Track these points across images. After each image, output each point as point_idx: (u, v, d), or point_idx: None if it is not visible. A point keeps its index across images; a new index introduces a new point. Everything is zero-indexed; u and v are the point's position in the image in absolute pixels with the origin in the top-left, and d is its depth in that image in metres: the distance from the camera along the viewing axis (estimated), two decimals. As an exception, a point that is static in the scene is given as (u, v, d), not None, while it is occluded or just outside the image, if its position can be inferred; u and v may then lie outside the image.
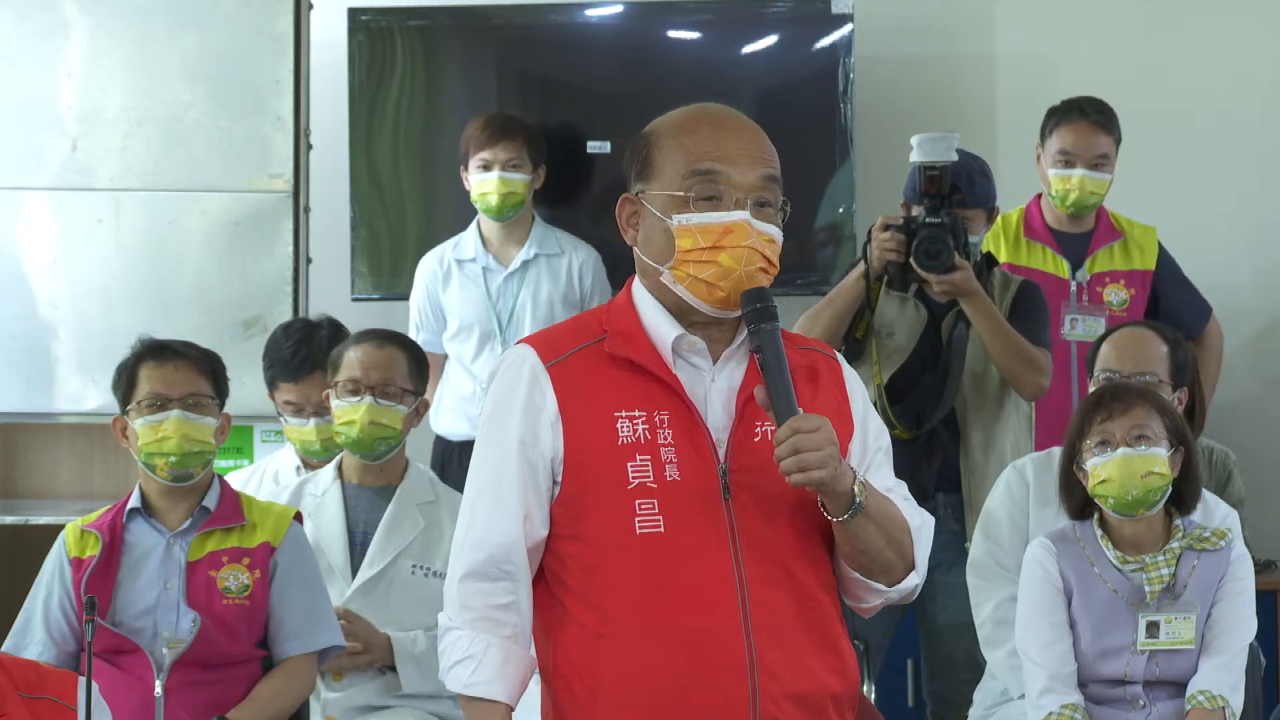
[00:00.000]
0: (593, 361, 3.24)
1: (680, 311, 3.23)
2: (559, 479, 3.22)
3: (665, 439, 3.19)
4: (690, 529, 3.16)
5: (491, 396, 3.29)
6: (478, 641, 3.21)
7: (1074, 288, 6.05)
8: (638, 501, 3.16)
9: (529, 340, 3.30)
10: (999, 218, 5.90)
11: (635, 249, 3.29)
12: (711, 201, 3.19)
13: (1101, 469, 4.48)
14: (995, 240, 6.03)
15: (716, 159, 3.19)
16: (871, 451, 3.30)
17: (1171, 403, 4.67)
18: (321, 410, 5.26)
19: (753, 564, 3.16)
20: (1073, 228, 6.10)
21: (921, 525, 3.27)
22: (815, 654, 3.20)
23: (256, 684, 4.55)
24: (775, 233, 3.21)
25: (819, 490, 3.14)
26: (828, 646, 3.22)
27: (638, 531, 3.16)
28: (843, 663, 3.24)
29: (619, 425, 3.19)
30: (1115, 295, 6.06)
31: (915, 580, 3.26)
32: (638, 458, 3.17)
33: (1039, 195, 6.16)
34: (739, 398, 3.22)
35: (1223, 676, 4.47)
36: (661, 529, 3.16)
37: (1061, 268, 6.06)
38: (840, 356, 3.38)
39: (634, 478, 3.17)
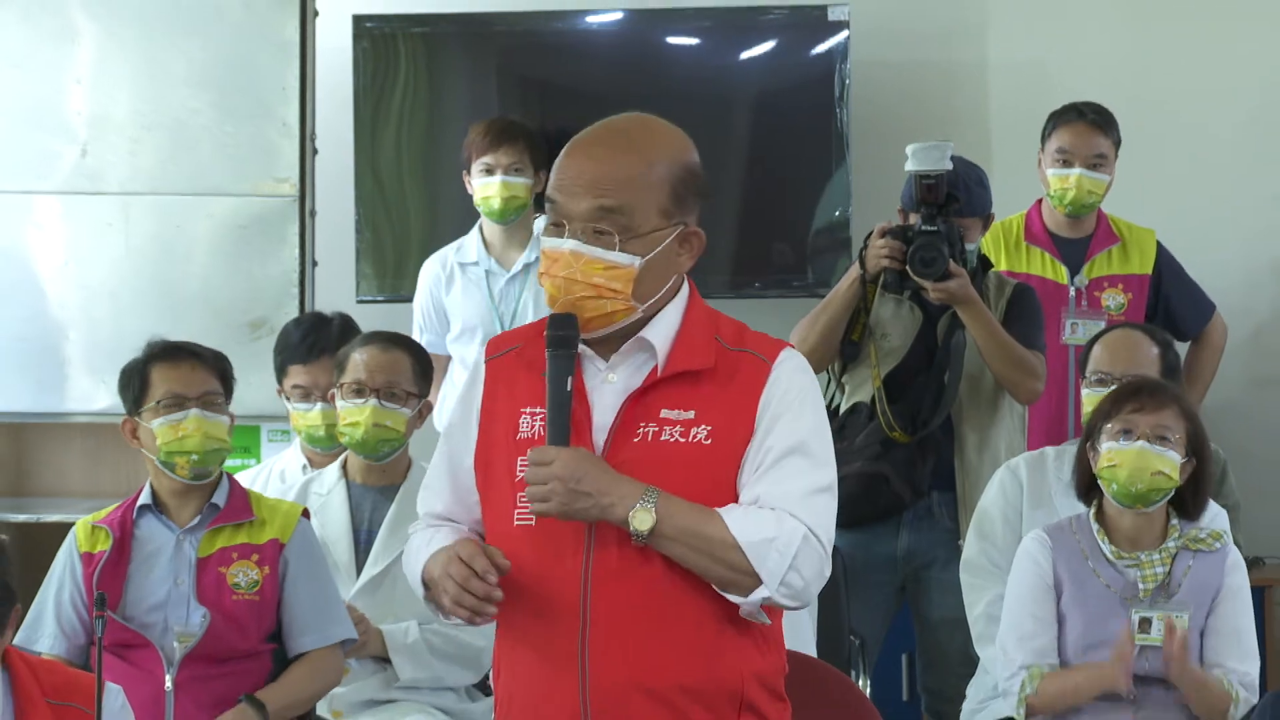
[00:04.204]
0: (525, 358, 3.30)
1: None
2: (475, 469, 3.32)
3: None
4: (556, 522, 3.19)
5: None
6: (421, 537, 3.39)
7: (1073, 293, 6.05)
8: (519, 494, 3.22)
9: (497, 335, 3.39)
10: (997, 223, 5.90)
11: None
12: (557, 229, 3.26)
13: (1116, 454, 4.49)
14: (994, 245, 6.04)
15: (556, 187, 3.26)
16: (762, 452, 3.21)
17: (1197, 414, 4.62)
18: (328, 396, 5.28)
19: (605, 558, 3.18)
20: (1072, 232, 6.11)
21: (774, 539, 3.15)
22: (665, 647, 3.18)
23: (287, 669, 4.58)
24: (615, 258, 3.23)
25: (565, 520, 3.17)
26: (682, 640, 3.19)
27: (515, 523, 3.23)
28: (705, 656, 3.20)
29: (521, 421, 3.26)
30: (1113, 300, 6.07)
31: (764, 593, 3.16)
32: (529, 452, 3.20)
33: (1039, 201, 6.16)
34: (628, 398, 3.23)
35: (1246, 682, 4.51)
36: (533, 522, 3.21)
37: (1060, 273, 6.07)
38: (789, 358, 3.28)
39: (520, 471, 3.22)
